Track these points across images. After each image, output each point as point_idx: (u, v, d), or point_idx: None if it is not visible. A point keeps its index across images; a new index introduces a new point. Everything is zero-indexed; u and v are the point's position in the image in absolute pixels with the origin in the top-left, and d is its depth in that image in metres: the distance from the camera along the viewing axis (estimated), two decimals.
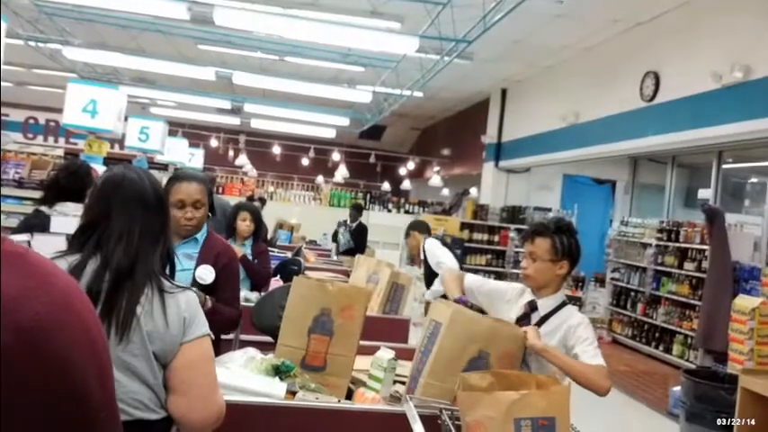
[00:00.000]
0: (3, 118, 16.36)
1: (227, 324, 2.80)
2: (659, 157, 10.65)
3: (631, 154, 10.00)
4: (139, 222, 1.69)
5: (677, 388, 5.83)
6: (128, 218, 1.68)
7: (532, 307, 2.68)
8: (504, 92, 12.54)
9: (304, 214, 12.72)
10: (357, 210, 10.35)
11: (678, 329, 8.51)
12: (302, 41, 8.86)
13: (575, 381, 2.36)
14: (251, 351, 2.45)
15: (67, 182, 3.53)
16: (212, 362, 1.74)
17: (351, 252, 9.35)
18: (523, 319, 2.65)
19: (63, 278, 0.77)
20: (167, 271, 1.78)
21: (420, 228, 5.72)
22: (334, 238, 10.23)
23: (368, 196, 16.82)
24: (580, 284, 10.69)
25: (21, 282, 0.71)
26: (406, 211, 15.35)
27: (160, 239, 1.74)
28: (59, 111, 6.42)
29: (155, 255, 1.70)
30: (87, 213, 1.75)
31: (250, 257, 4.54)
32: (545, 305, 2.67)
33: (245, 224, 4.65)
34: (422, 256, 5.55)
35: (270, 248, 7.23)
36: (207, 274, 2.74)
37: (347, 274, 5.89)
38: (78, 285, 0.80)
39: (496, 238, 11.62)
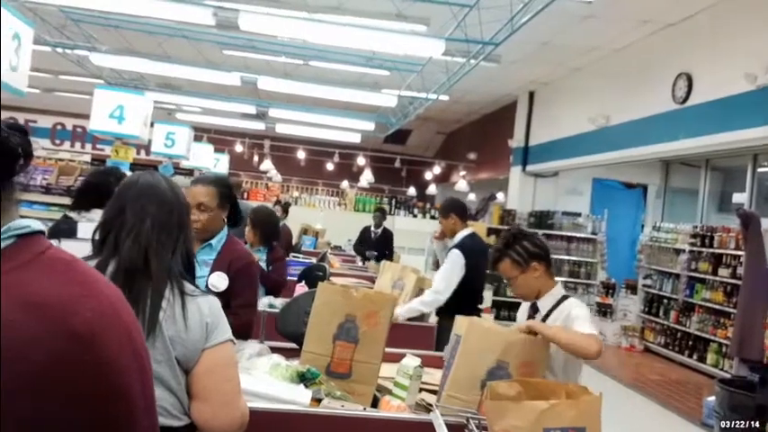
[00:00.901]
0: (31, 125, 16.68)
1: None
2: (692, 160, 10.50)
3: (663, 157, 9.87)
4: (151, 216, 1.71)
5: (711, 398, 5.73)
6: (139, 212, 1.71)
7: (534, 310, 2.86)
8: (531, 94, 12.47)
9: (329, 219, 12.79)
10: (382, 213, 10.24)
11: (712, 338, 8.38)
12: (327, 45, 8.90)
13: (566, 351, 2.49)
14: (275, 357, 2.46)
15: (105, 187, 3.56)
16: (235, 367, 1.75)
17: (376, 258, 9.32)
18: None
19: (108, 285, 0.81)
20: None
21: (461, 212, 5.01)
22: (357, 249, 9.92)
23: (393, 201, 16.84)
24: (611, 291, 10.57)
25: (69, 288, 0.74)
26: (432, 217, 15.33)
27: (178, 238, 1.74)
28: (87, 117, 6.53)
29: (171, 252, 1.71)
30: (104, 213, 1.78)
31: (264, 264, 4.47)
32: (544, 305, 2.83)
33: (246, 230, 4.52)
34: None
35: (294, 254, 7.28)
36: (220, 281, 2.73)
37: (372, 280, 5.90)
38: (121, 292, 0.83)
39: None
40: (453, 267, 4.65)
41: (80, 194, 3.67)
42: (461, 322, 2.42)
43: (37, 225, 0.77)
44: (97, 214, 3.46)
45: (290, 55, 10.32)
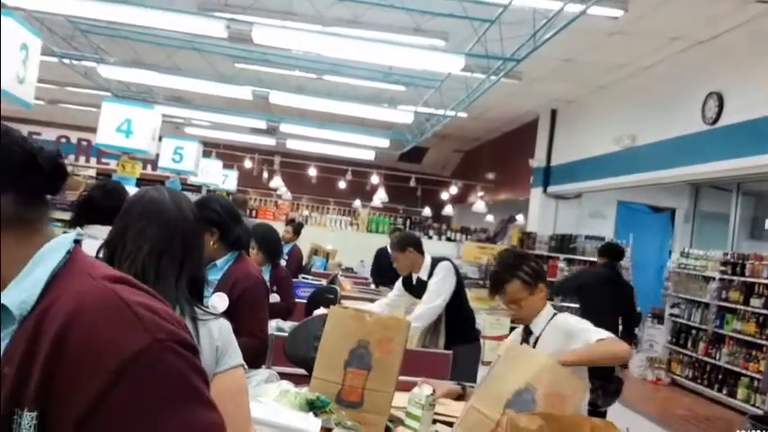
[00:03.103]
0: (34, 137, 16.82)
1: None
2: (723, 183, 10.44)
3: (692, 180, 9.82)
4: (150, 241, 1.66)
5: None
6: (138, 236, 1.67)
7: (527, 333, 2.88)
8: (554, 113, 12.47)
9: (340, 240, 12.77)
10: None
11: (743, 371, 8.27)
12: (342, 60, 8.97)
13: (600, 363, 2.63)
14: (284, 384, 2.46)
15: (102, 202, 3.57)
16: (246, 394, 1.75)
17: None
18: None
19: None
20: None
21: (418, 245, 4.80)
22: (375, 276, 9.54)
23: (407, 222, 16.81)
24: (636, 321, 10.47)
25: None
26: (448, 239, 15.27)
27: (183, 263, 1.69)
28: (92, 130, 6.59)
29: (175, 278, 1.66)
30: (111, 231, 1.76)
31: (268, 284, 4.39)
32: (537, 325, 2.85)
33: (252, 252, 4.24)
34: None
35: (304, 276, 7.28)
36: (219, 302, 2.68)
37: None
38: None
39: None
40: (445, 279, 4.62)
41: (78, 209, 3.69)
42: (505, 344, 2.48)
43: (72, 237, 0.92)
44: (94, 230, 3.48)
45: (303, 69, 10.41)
